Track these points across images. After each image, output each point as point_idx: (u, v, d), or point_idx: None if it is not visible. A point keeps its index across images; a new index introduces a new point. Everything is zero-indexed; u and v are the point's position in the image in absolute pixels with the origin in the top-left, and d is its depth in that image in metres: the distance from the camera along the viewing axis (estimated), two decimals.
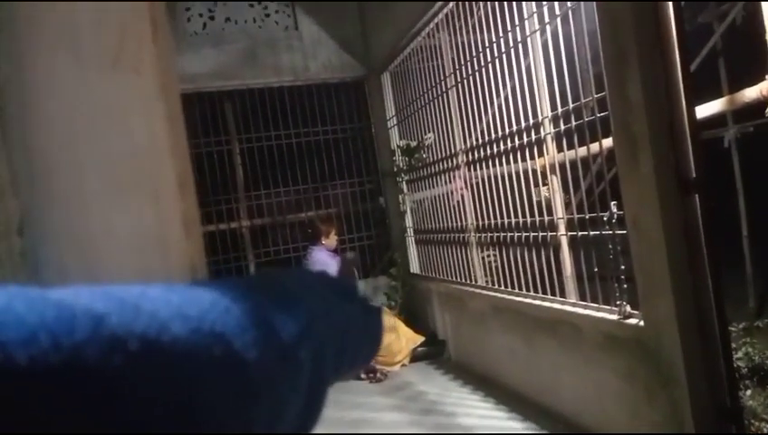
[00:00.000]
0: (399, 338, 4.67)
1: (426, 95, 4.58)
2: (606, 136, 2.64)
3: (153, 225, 0.30)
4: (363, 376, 4.39)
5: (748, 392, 3.13)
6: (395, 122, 5.40)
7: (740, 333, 3.87)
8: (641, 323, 2.45)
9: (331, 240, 4.57)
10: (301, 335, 0.28)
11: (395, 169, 5.26)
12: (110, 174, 0.29)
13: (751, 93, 2.86)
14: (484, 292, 3.93)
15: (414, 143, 4.86)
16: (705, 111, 3.03)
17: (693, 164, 2.22)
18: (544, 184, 3.27)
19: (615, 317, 2.63)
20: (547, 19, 2.99)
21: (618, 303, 2.62)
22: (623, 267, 2.61)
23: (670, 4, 2.21)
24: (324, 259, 4.41)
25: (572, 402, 2.99)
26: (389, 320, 4.81)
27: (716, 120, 5.75)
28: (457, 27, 3.92)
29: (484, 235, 3.95)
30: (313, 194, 5.73)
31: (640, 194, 2.33)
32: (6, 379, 0.16)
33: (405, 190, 5.28)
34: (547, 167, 3.18)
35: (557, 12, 2.90)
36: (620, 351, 2.58)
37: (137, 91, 0.30)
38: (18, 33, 0.28)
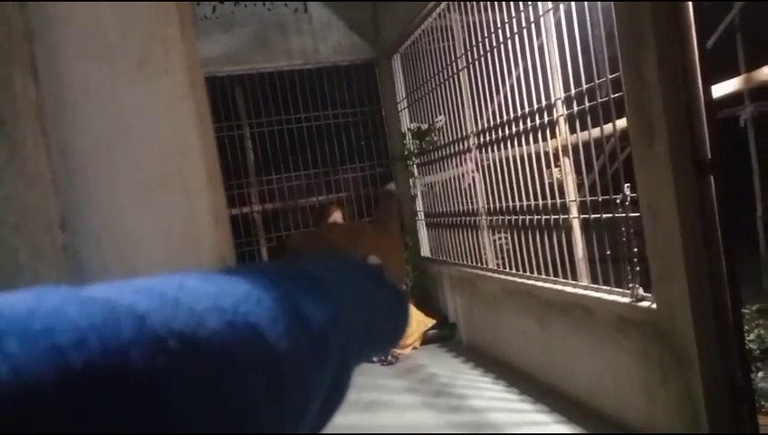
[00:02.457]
0: (411, 321, 4.69)
1: (436, 77, 4.54)
2: (620, 116, 2.61)
3: (184, 220, 0.31)
4: (375, 359, 4.43)
5: (760, 374, 3.12)
6: (405, 105, 5.37)
7: (753, 314, 3.84)
8: (654, 305, 2.45)
9: None
10: (329, 324, 0.29)
11: (406, 153, 5.24)
12: (143, 173, 0.30)
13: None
14: (496, 275, 3.94)
15: (425, 126, 4.84)
16: (721, 89, 2.98)
17: (708, 144, 2.20)
18: (557, 166, 3.25)
19: (628, 300, 2.63)
20: None
21: (630, 285, 2.62)
22: (636, 250, 2.60)
23: None
24: None
25: (586, 384, 3.00)
26: None
27: (733, 99, 5.66)
28: (469, 7, 3.86)
29: (495, 218, 3.95)
30: (324, 178, 5.74)
31: (655, 175, 2.31)
32: (65, 383, 0.16)
33: (416, 174, 5.27)
34: (559, 148, 3.15)
35: None
36: (634, 333, 2.58)
37: (166, 90, 0.30)
38: (52, 40, 0.28)
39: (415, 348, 4.64)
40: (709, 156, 2.19)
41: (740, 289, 2.26)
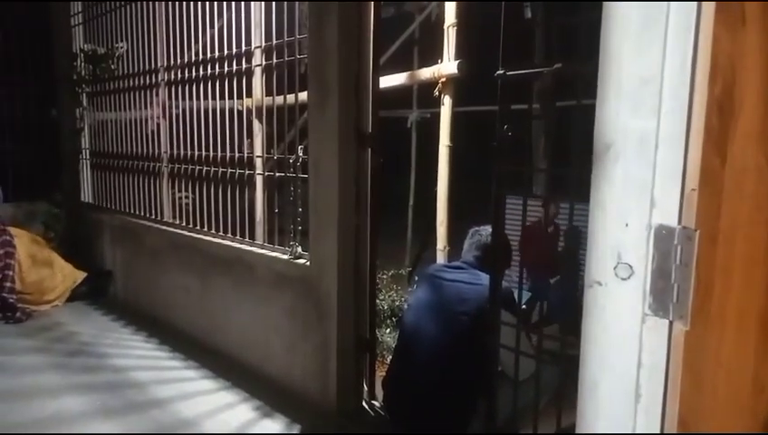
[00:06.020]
0: (55, 274, 4.00)
1: None
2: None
3: None
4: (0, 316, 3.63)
5: (388, 330, 3.68)
6: (80, 20, 4.50)
7: (388, 279, 4.51)
8: (308, 262, 2.58)
9: None
10: None
11: (74, 77, 4.40)
12: None
13: (426, 73, 3.26)
14: (164, 227, 3.63)
15: (102, 50, 4.14)
16: (389, 81, 3.34)
17: (370, 119, 2.41)
18: (248, 124, 3.12)
19: (287, 257, 2.71)
20: None
21: (291, 243, 2.71)
22: (301, 210, 2.70)
23: None
24: None
25: (240, 340, 3.00)
26: (44, 253, 4.06)
27: (403, 103, 6.60)
28: None
29: (176, 166, 3.61)
30: None
31: (323, 139, 2.42)
32: None
33: (85, 104, 4.48)
34: (252, 106, 3.05)
35: None
36: (288, 289, 2.68)
37: None
38: None
39: (57, 304, 3.96)
40: (370, 130, 2.41)
41: (377, 255, 2.55)
